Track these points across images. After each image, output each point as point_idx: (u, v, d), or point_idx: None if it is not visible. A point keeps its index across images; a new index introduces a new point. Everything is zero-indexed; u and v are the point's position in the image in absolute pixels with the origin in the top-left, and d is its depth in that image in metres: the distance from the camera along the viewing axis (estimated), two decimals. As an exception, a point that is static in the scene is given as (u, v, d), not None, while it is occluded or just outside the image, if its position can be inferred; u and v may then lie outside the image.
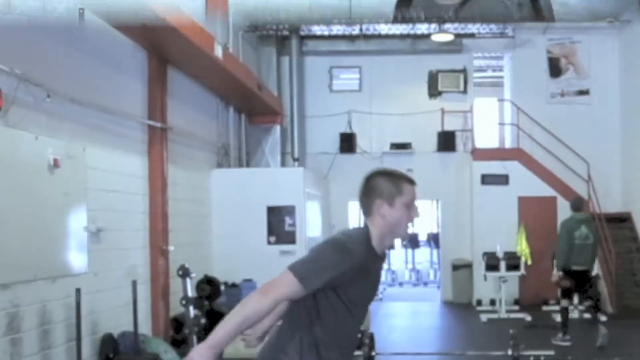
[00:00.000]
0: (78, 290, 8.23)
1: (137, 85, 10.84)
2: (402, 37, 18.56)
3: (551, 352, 11.21)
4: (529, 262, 16.16)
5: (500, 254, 15.59)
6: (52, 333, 8.17)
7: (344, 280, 3.60)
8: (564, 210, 17.15)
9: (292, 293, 3.52)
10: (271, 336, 3.93)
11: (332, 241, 3.67)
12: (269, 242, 14.58)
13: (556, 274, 12.25)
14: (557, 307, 14.33)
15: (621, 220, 17.87)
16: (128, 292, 9.58)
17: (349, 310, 3.72)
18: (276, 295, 3.49)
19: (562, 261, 12.09)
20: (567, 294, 12.42)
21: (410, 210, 3.77)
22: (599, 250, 13.81)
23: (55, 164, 8.15)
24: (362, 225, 3.82)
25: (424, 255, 24.46)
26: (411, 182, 3.81)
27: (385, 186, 3.74)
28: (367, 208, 3.79)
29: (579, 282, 12.25)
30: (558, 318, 13.17)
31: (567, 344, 12.09)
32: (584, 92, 18.80)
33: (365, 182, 3.82)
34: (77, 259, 8.84)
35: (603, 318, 14.62)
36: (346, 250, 3.58)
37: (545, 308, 16.36)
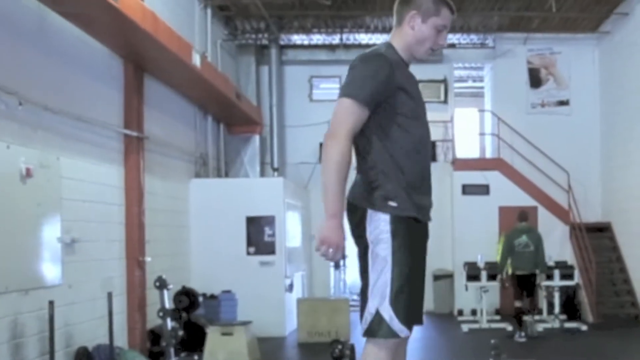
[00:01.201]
0: (51, 303, 8.08)
1: (113, 94, 10.69)
2: (382, 46, 18.50)
3: (532, 363, 11.17)
4: (510, 272, 16.08)
5: (481, 264, 15.53)
6: (24, 347, 7.99)
7: (391, 88, 3.60)
8: (544, 220, 17.30)
9: (355, 115, 3.51)
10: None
11: (360, 58, 3.67)
12: (249, 253, 14.44)
13: (501, 278, 14.06)
14: (538, 317, 14.80)
15: (601, 229, 17.89)
16: (103, 304, 9.43)
17: (412, 118, 3.71)
18: (345, 127, 3.50)
19: (501, 266, 13.89)
20: (518, 296, 13.73)
21: (439, 35, 3.77)
22: (578, 259, 14.91)
23: (28, 173, 7.99)
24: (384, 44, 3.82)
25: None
26: (452, 9, 3.80)
27: (425, 1, 3.73)
28: (400, 16, 3.78)
29: (524, 285, 13.64)
30: (539, 328, 14.08)
31: (523, 340, 13.29)
32: (564, 103, 18.83)
33: None
34: (50, 271, 8.66)
35: (584, 327, 14.61)
36: (378, 56, 3.63)
37: (526, 318, 16.26)
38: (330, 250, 3.53)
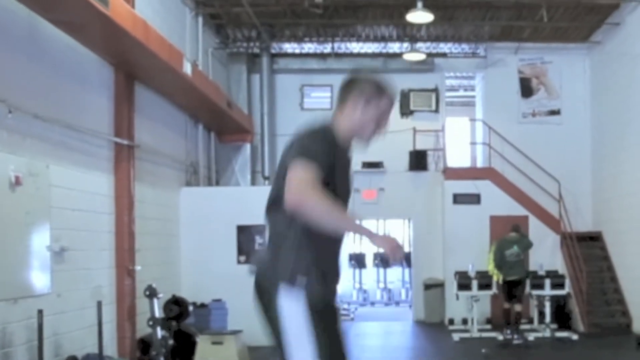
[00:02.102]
0: (40, 312, 8.02)
1: (103, 102, 10.66)
2: (374, 55, 18.56)
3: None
4: (500, 281, 16.09)
5: (472, 273, 15.52)
6: (12, 356, 7.93)
7: (330, 170, 3.58)
8: (535, 230, 17.30)
9: (312, 172, 3.45)
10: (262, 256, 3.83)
11: (306, 132, 3.64)
12: (239, 262, 14.39)
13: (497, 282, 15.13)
14: (529, 327, 15.38)
15: (592, 239, 17.90)
16: (93, 313, 9.37)
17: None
18: (308, 186, 3.41)
19: (493, 273, 15.08)
20: (507, 299, 14.89)
21: (380, 120, 3.78)
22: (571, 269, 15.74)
23: (17, 181, 7.95)
24: (325, 121, 3.80)
25: (395, 274, 24.33)
26: (393, 97, 3.83)
27: (369, 88, 3.75)
28: (343, 100, 3.78)
29: (514, 288, 14.76)
30: (530, 337, 14.34)
31: (510, 337, 14.14)
32: (555, 112, 18.87)
33: (352, 75, 3.85)
34: (39, 279, 8.61)
35: (574, 337, 14.61)
36: (323, 132, 3.64)
37: (520, 323, 16.28)
38: (399, 250, 3.58)
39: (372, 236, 3.53)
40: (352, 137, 3.80)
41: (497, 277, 15.03)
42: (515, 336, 14.16)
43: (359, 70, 3.86)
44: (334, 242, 3.75)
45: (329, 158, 3.55)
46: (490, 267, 15.85)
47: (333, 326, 3.73)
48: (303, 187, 3.41)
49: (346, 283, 22.56)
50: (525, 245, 15.07)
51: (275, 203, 3.67)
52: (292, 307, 3.58)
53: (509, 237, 14.96)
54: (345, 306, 20.92)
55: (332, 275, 3.76)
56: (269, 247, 3.77)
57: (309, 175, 3.43)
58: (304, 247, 3.62)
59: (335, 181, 3.62)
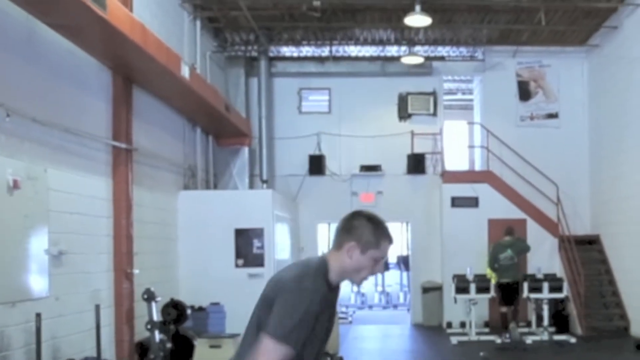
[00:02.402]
0: (38, 315, 8.02)
1: (101, 105, 10.65)
2: (372, 59, 18.56)
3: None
4: (494, 282, 16.12)
5: (470, 277, 15.53)
6: (10, 359, 7.92)
7: (315, 319, 3.58)
8: (533, 233, 17.32)
9: (283, 357, 3.47)
10: None
11: (294, 287, 3.58)
12: (237, 265, 14.39)
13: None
14: (527, 330, 15.50)
15: (590, 242, 17.92)
16: (91, 316, 9.38)
17: (310, 342, 3.66)
18: None
19: (492, 275, 15.35)
20: (503, 302, 15.12)
21: (376, 265, 3.76)
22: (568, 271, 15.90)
23: (15, 185, 7.94)
24: (320, 256, 3.78)
25: (393, 277, 24.33)
26: (391, 241, 3.78)
27: (366, 233, 3.70)
28: (339, 242, 3.73)
29: (508, 291, 15.02)
30: (528, 340, 14.48)
31: (508, 340, 14.29)
32: (553, 116, 18.88)
33: (350, 218, 3.77)
34: (37, 283, 8.60)
35: (572, 340, 14.62)
36: (313, 292, 3.56)
37: (511, 325, 16.27)
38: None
39: None
40: (344, 279, 3.81)
41: (493, 280, 15.32)
42: (507, 335, 14.35)
43: (359, 212, 3.83)
44: None
45: (316, 307, 3.56)
46: (487, 271, 15.93)
47: None
48: None
49: (344, 286, 22.52)
50: (521, 248, 15.37)
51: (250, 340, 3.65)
52: None
53: (503, 241, 15.31)
54: (344, 309, 20.92)
55: None
56: None
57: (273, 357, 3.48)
58: None
59: (316, 326, 3.63)
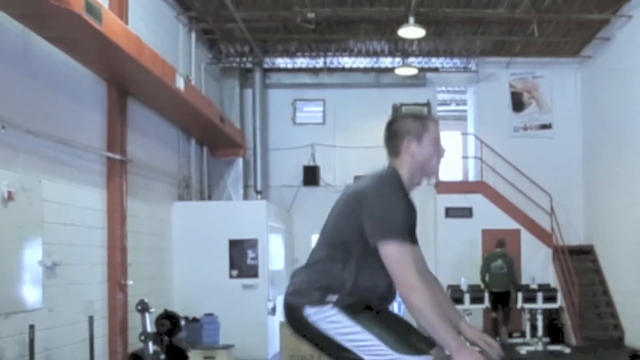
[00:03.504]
0: (32, 327, 8.02)
1: (96, 117, 10.68)
2: (366, 70, 18.62)
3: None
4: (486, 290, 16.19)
5: (464, 287, 15.54)
6: (4, 371, 7.93)
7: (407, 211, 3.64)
8: (527, 243, 17.36)
9: (407, 254, 3.45)
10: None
11: (377, 192, 3.59)
12: (231, 276, 14.39)
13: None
14: (521, 340, 15.62)
15: (584, 252, 17.93)
16: (85, 327, 9.37)
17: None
18: (410, 272, 3.41)
19: (483, 284, 16.01)
20: (494, 309, 15.90)
21: (437, 146, 3.80)
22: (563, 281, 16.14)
23: (10, 196, 7.96)
24: (382, 168, 3.78)
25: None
26: (435, 119, 3.85)
27: (411, 125, 3.74)
28: (394, 149, 3.76)
29: (499, 300, 15.82)
30: (523, 351, 14.47)
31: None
32: (546, 126, 18.94)
33: (389, 126, 3.81)
34: (31, 294, 8.60)
35: (567, 350, 14.63)
36: (389, 185, 3.61)
37: (509, 341, 16.27)
38: None
39: (456, 352, 3.41)
40: (420, 179, 3.84)
41: (485, 289, 15.80)
42: (497, 339, 14.63)
43: (390, 119, 3.83)
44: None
45: (405, 206, 3.59)
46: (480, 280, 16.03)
47: (378, 313, 3.69)
48: (406, 279, 3.42)
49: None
50: (508, 262, 16.07)
51: (334, 247, 3.67)
52: (327, 318, 3.56)
53: (495, 251, 16.19)
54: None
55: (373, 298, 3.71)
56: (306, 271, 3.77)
57: (406, 260, 3.44)
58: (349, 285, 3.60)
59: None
